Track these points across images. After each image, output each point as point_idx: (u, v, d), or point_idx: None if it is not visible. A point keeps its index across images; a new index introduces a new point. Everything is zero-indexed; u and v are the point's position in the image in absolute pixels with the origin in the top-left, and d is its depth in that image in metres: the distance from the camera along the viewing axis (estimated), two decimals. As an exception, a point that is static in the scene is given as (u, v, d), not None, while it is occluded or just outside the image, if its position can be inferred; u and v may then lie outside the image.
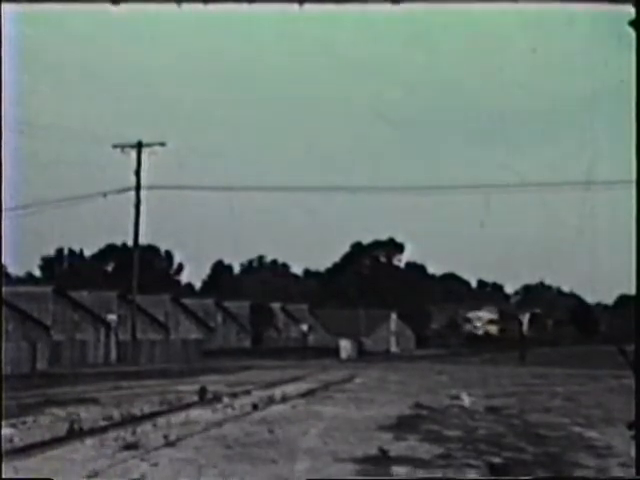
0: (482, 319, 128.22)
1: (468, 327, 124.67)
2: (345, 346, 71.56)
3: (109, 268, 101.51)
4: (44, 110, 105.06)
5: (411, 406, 22.18)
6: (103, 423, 17.38)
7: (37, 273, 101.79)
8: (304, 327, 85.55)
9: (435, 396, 25.74)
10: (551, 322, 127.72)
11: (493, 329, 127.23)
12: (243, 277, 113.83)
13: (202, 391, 24.32)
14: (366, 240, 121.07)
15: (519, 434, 16.48)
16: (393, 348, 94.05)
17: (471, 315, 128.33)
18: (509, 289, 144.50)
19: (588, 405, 23.27)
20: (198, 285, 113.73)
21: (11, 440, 14.58)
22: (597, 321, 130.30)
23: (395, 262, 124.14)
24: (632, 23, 6.71)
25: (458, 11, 7.46)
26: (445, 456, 13.30)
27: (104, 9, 7.75)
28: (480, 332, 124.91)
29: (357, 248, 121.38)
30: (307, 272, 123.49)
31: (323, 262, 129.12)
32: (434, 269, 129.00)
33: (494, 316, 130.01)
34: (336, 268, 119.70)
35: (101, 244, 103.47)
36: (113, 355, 56.20)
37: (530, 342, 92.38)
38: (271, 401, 23.17)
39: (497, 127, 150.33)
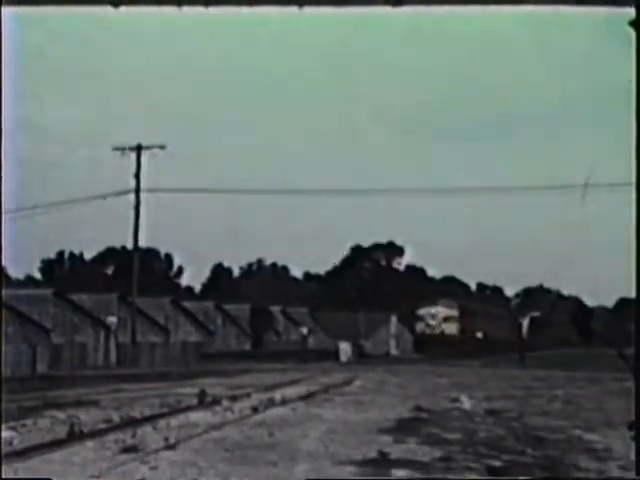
0: (437, 316, 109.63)
1: (420, 326, 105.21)
2: (345, 349, 71.54)
3: (109, 271, 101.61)
4: (43, 111, 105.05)
5: (411, 409, 22.15)
6: (103, 426, 17.36)
7: (37, 276, 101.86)
8: (304, 330, 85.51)
9: (435, 399, 25.72)
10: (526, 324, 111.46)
11: (452, 328, 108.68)
12: (243, 280, 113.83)
13: (202, 394, 24.31)
14: (366, 243, 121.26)
15: (519, 437, 16.46)
16: (393, 351, 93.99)
17: (424, 312, 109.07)
18: (509, 292, 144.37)
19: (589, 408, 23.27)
20: (198, 288, 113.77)
21: (11, 443, 14.57)
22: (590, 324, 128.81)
23: (395, 265, 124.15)
24: (632, 23, 6.72)
25: (458, 12, 7.47)
26: (445, 459, 13.28)
27: (104, 11, 7.75)
28: (434, 332, 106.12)
29: (357, 251, 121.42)
30: (307, 275, 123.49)
31: (323, 265, 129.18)
32: (434, 272, 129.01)
33: (453, 312, 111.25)
34: (336, 271, 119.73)
35: (101, 247, 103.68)
36: (113, 358, 56.18)
37: (504, 347, 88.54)
38: (271, 404, 23.14)
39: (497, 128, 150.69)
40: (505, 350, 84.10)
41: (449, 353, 79.03)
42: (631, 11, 6.62)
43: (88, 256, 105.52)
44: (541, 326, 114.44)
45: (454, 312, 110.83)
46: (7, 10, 7.31)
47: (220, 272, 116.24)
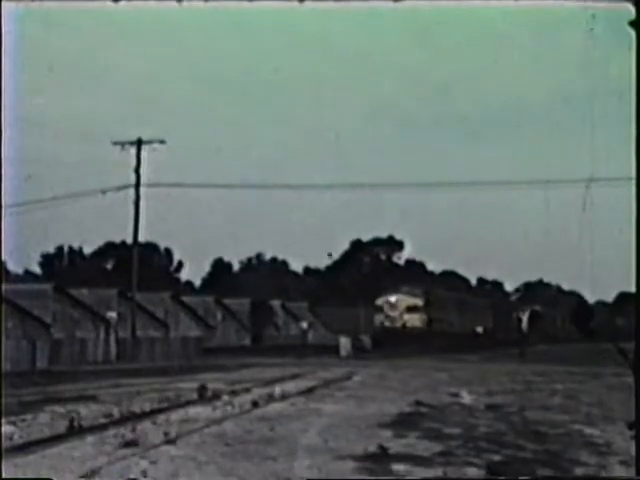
0: (398, 306, 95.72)
1: (380, 318, 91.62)
2: (345, 343, 71.44)
3: (109, 266, 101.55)
4: (44, 108, 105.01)
5: (411, 403, 22.17)
6: (103, 420, 17.38)
7: (37, 270, 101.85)
8: (304, 325, 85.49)
9: (435, 394, 25.74)
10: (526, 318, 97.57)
11: (415, 319, 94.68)
12: (242, 274, 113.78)
13: (202, 389, 24.33)
14: (366, 237, 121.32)
15: (519, 431, 16.48)
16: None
17: (382, 301, 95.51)
18: (509, 287, 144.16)
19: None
20: (198, 283, 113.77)
21: (11, 437, 14.59)
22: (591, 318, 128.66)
23: (395, 259, 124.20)
24: (632, 23, 6.72)
25: (458, 9, 7.45)
26: (445, 453, 13.30)
27: (104, 6, 7.74)
28: (395, 324, 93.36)
29: (357, 245, 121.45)
30: (307, 269, 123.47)
31: (323, 259, 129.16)
32: (433, 266, 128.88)
33: (417, 301, 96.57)
34: (336, 265, 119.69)
35: (100, 241, 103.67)
36: (113, 353, 56.16)
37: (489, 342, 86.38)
38: (271, 398, 23.16)
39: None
40: (491, 345, 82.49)
41: (437, 349, 73.36)
42: (631, 11, 6.62)
43: (88, 251, 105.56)
44: (541, 318, 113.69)
45: (418, 301, 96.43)
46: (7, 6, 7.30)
47: (220, 266, 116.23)
